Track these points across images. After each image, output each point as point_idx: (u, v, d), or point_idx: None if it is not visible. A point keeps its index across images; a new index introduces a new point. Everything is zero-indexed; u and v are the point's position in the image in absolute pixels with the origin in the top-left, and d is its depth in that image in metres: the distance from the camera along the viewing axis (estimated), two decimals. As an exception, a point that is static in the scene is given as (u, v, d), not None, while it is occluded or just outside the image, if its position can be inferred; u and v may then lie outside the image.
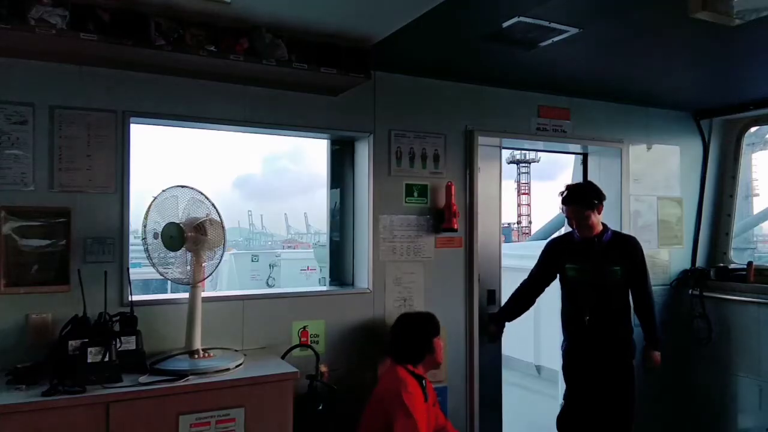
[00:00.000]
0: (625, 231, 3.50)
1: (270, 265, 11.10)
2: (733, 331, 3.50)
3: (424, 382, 2.49)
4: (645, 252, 3.62)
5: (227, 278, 10.79)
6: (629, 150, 3.57)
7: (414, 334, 2.56)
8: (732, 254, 3.80)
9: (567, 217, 3.04)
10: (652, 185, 3.66)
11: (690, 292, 3.64)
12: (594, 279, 2.95)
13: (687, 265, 3.76)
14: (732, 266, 3.67)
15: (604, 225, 3.01)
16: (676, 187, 3.76)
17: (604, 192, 3.01)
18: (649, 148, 3.66)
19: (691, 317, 3.63)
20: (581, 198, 2.95)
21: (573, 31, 2.27)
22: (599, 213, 2.96)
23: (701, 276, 3.64)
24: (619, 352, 2.95)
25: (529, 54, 2.54)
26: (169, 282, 2.34)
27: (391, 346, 2.58)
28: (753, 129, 3.81)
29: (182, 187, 2.21)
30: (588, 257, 2.97)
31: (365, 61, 2.43)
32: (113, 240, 2.27)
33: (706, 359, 3.61)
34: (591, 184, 3.18)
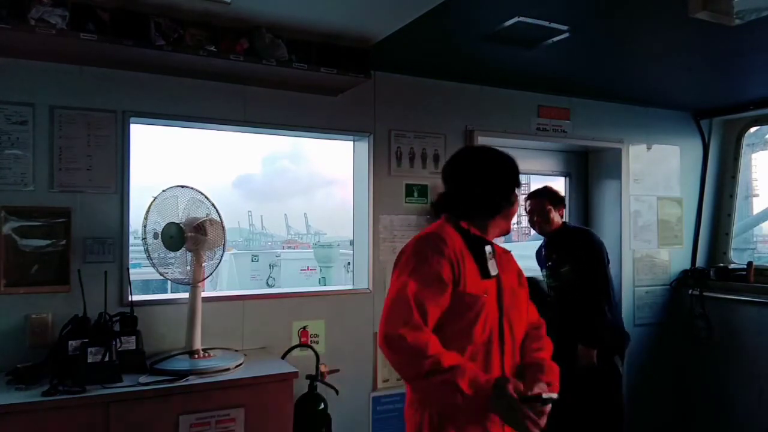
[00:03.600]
0: (624, 231, 3.50)
1: (270, 265, 11.10)
2: (733, 331, 3.50)
3: (490, 248, 1.52)
4: (645, 252, 3.63)
5: (227, 278, 10.78)
6: (629, 150, 3.57)
7: (490, 177, 1.54)
8: (732, 254, 3.80)
9: (529, 212, 3.04)
10: (652, 185, 3.66)
11: (690, 292, 3.64)
12: (553, 282, 3.03)
13: (687, 265, 3.76)
14: (732, 266, 3.67)
15: (564, 223, 3.04)
16: (676, 187, 3.76)
17: (604, 192, 3.01)
18: (649, 148, 3.66)
19: (691, 317, 3.63)
20: (543, 192, 3.03)
21: (573, 31, 2.27)
22: (559, 211, 3.00)
23: (701, 276, 3.64)
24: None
25: (529, 54, 2.54)
26: (169, 282, 2.34)
27: (443, 197, 1.59)
28: (753, 129, 3.80)
29: (182, 187, 2.21)
30: (546, 263, 3.05)
31: (365, 61, 2.43)
32: (113, 240, 2.27)
33: (706, 359, 3.61)
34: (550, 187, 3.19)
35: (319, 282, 9.18)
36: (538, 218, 2.99)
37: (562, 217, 3.03)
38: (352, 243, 3.04)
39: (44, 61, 2.16)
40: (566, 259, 2.95)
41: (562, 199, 3.07)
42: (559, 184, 3.70)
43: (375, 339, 2.77)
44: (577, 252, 2.93)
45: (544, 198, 3.00)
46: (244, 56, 2.18)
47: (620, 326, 3.07)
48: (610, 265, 2.99)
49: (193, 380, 1.99)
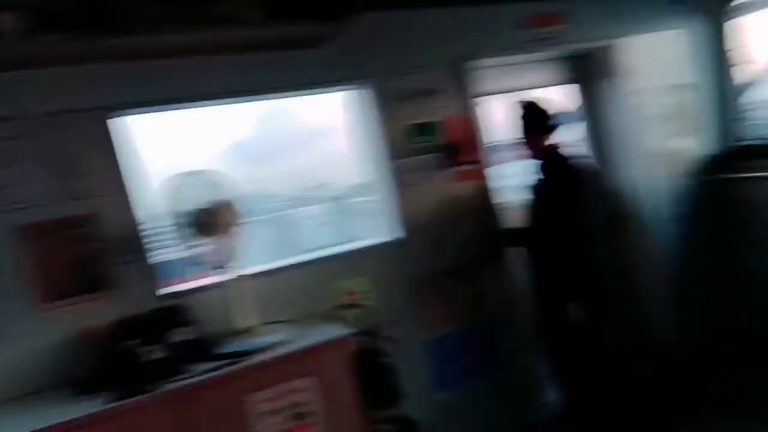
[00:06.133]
0: (635, 127, 3.39)
1: (288, 228, 11.11)
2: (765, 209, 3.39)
3: None
4: (661, 145, 3.45)
5: (256, 251, 10.80)
6: (629, 43, 3.39)
7: None
8: (747, 132, 3.64)
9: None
10: (659, 76, 3.48)
11: (713, 177, 3.52)
12: (532, 204, 2.71)
13: (705, 152, 3.61)
14: (751, 143, 3.52)
15: (554, 149, 2.64)
16: (684, 74, 3.58)
17: (609, 92, 2.81)
18: (649, 38, 3.46)
19: (722, 203, 3.50)
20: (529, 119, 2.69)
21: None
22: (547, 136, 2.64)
23: (723, 159, 3.50)
24: (555, 285, 2.59)
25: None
26: (202, 267, 2.34)
27: None
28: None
29: (194, 171, 2.18)
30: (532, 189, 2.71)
31: (341, 4, 2.29)
32: (138, 237, 2.27)
33: (739, 243, 3.50)
34: (536, 105, 2.69)
35: (340, 236, 9.16)
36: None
37: (548, 136, 2.63)
38: (361, 191, 2.95)
39: (23, 70, 2.07)
40: (545, 191, 2.63)
41: (547, 119, 2.63)
42: (561, 92, 3.58)
43: (418, 285, 2.77)
44: (563, 180, 2.58)
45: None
46: (215, 24, 2.05)
47: (586, 273, 2.59)
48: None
49: (256, 358, 2.02)
